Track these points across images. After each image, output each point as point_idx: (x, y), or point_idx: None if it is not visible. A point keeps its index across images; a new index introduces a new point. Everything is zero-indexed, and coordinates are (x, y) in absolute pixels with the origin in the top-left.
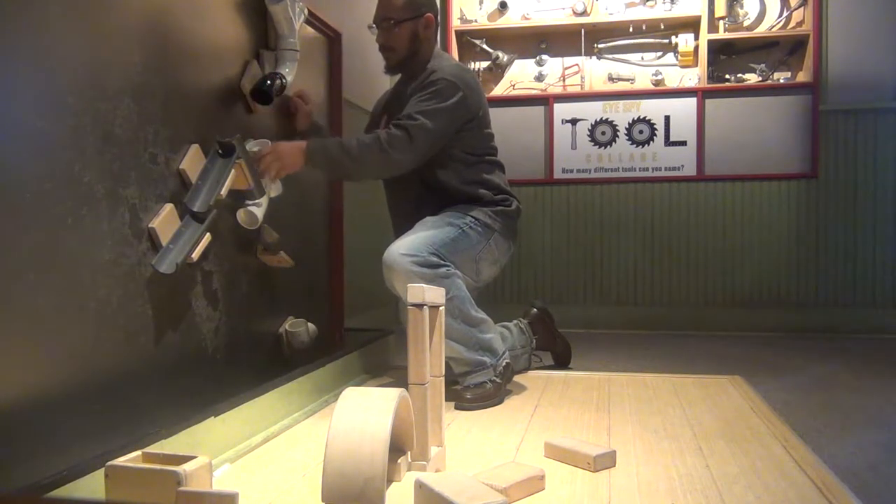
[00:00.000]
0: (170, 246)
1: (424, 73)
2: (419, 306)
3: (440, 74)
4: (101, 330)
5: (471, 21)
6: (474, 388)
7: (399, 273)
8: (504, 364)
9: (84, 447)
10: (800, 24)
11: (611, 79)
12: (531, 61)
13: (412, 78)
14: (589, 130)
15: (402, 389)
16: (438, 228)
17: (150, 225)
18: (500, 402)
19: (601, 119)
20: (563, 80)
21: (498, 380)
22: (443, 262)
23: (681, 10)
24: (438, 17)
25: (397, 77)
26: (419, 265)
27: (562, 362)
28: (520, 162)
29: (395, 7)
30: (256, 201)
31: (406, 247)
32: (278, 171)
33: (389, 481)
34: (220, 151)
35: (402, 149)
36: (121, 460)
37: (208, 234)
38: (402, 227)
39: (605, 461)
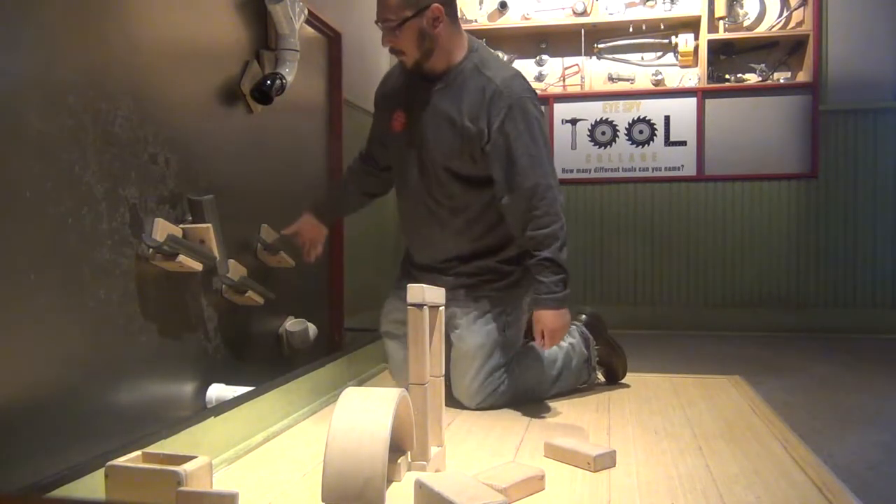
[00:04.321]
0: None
1: (480, 82)
2: (419, 306)
3: (513, 94)
4: (101, 330)
5: (471, 21)
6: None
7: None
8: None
9: (84, 447)
10: (800, 24)
11: (611, 79)
12: (531, 61)
13: (439, 79)
14: (589, 130)
15: (402, 389)
16: (484, 352)
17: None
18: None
19: (601, 119)
20: (563, 80)
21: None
22: (502, 374)
23: (681, 10)
24: (454, 5)
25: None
26: (493, 397)
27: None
28: None
29: (392, 6)
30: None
31: (474, 393)
32: (562, 336)
33: (389, 481)
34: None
35: (557, 204)
36: (121, 460)
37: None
38: (417, 238)
39: (605, 461)
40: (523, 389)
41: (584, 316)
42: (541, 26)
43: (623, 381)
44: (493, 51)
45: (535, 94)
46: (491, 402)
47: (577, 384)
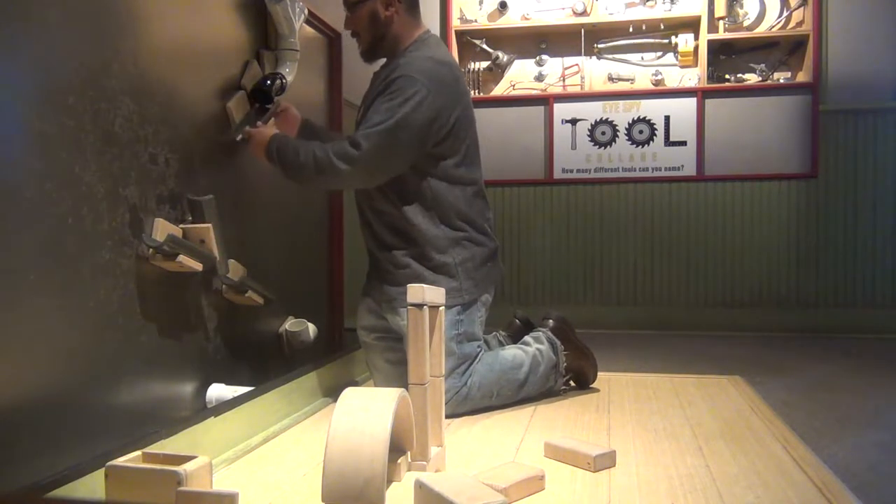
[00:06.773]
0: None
1: (396, 62)
2: (419, 306)
3: (405, 69)
4: (101, 330)
5: (471, 21)
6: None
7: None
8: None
9: (84, 447)
10: (800, 24)
11: (611, 79)
12: (531, 61)
13: (387, 65)
14: (589, 130)
15: (402, 389)
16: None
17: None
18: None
19: (601, 119)
20: (563, 80)
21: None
22: (459, 379)
23: (681, 10)
24: None
25: None
26: (454, 403)
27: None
28: (520, 162)
29: None
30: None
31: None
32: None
33: (389, 481)
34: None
35: (348, 161)
36: (121, 460)
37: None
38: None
39: (605, 461)
40: (486, 395)
41: (550, 321)
42: (541, 26)
43: (620, 381)
44: (441, 43)
45: (440, 82)
46: (451, 409)
47: (544, 390)
